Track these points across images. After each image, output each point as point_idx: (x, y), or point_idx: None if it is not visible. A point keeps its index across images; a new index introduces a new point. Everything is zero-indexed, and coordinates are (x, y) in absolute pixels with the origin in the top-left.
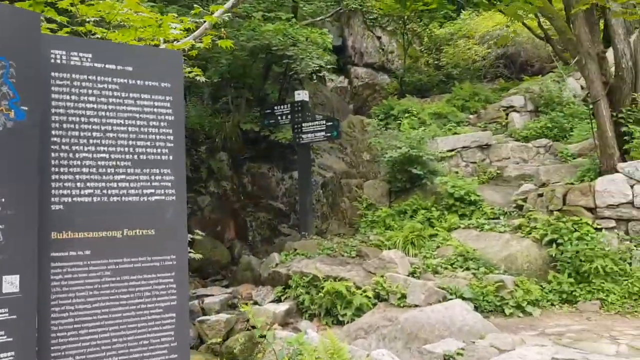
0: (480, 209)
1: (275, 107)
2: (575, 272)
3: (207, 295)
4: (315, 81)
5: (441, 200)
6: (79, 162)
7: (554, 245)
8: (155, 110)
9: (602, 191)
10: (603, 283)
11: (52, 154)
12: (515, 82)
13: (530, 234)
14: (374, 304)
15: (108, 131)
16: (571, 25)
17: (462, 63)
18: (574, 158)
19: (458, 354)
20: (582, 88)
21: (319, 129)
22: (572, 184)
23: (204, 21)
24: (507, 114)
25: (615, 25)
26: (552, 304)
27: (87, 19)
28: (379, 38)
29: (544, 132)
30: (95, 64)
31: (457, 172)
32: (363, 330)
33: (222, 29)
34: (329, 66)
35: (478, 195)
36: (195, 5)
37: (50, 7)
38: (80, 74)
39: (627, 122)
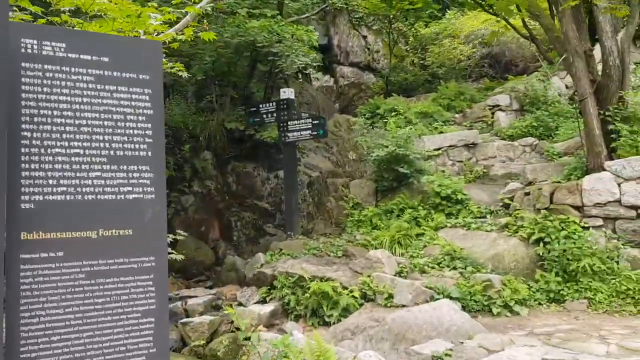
0: (467, 207)
1: (261, 106)
2: (563, 271)
3: (191, 297)
4: (300, 80)
5: (428, 199)
6: (51, 158)
7: (541, 244)
8: (133, 103)
9: (589, 189)
10: (591, 282)
11: (22, 150)
12: (500, 81)
13: (517, 232)
14: (361, 305)
15: (82, 125)
16: (558, 23)
17: (448, 62)
18: (560, 157)
19: (446, 354)
20: (567, 87)
21: (305, 127)
22: (559, 182)
23: (186, 12)
24: (492, 113)
25: (603, 22)
26: (540, 303)
27: (63, 9)
28: (364, 37)
29: (530, 131)
30: (69, 54)
31: (443, 171)
32: (350, 331)
33: (205, 21)
34: (315, 64)
35: (465, 194)
36: None
37: None
38: (52, 64)
39: (615, 120)
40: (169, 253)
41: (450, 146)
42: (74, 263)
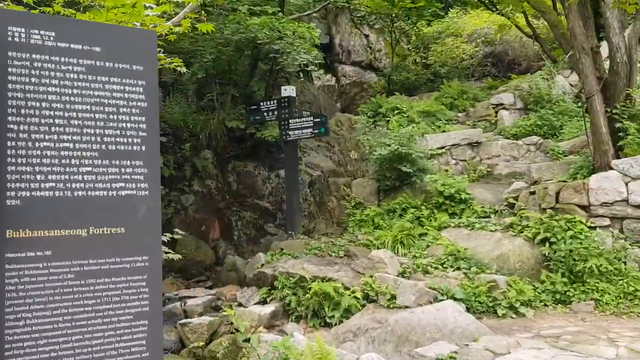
0: (471, 207)
1: (261, 103)
2: (569, 272)
3: (190, 297)
4: (302, 79)
5: (431, 198)
6: (39, 152)
7: (547, 244)
8: (126, 95)
9: (596, 189)
10: (597, 283)
11: (9, 143)
12: (503, 80)
13: (522, 232)
14: (363, 306)
15: (72, 118)
16: (564, 19)
17: (450, 61)
18: (566, 155)
19: (451, 357)
20: (572, 86)
21: (307, 125)
22: (565, 181)
23: (183, 3)
24: (496, 112)
25: (610, 18)
26: (546, 305)
27: (57, 0)
28: (366, 36)
29: (534, 130)
30: (59, 44)
31: (447, 170)
32: (352, 332)
33: (203, 12)
34: (316, 61)
35: (468, 194)
36: None
37: None
38: (41, 54)
39: (622, 118)
40: (166, 252)
41: (453, 145)
42: (63, 263)
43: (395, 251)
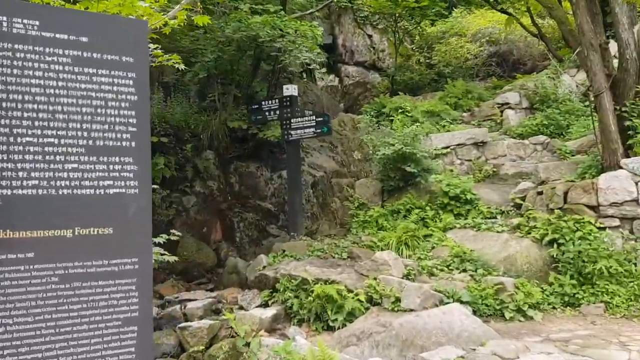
0: (477, 208)
1: (263, 103)
2: (578, 274)
3: (190, 300)
4: (305, 79)
5: (436, 199)
6: (21, 148)
7: (555, 245)
8: (114, 88)
9: (605, 188)
10: (607, 285)
11: None
12: (508, 80)
13: (529, 233)
14: (367, 309)
15: (57, 112)
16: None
17: (454, 61)
18: (573, 155)
19: None
20: (577, 85)
21: (309, 125)
22: (573, 181)
23: None
24: (501, 111)
25: (619, 14)
26: (554, 307)
27: None
28: (369, 36)
29: (540, 129)
30: (43, 33)
31: (452, 170)
32: (355, 336)
33: (198, 3)
34: (319, 60)
35: (474, 194)
36: None
37: None
38: (24, 44)
39: (631, 116)
40: (162, 254)
41: (458, 145)
42: (46, 265)
43: (400, 253)
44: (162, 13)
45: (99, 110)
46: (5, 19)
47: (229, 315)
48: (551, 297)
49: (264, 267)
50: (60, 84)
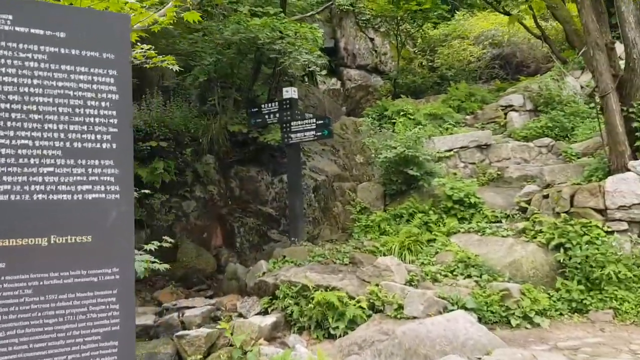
0: (481, 212)
1: (263, 106)
2: (586, 279)
3: (189, 307)
4: (307, 83)
5: (439, 203)
6: None
7: (562, 250)
8: (94, 86)
9: (612, 191)
10: (616, 290)
11: None
12: (511, 82)
13: (535, 238)
14: (369, 316)
15: (32, 112)
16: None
17: (457, 64)
18: (579, 157)
19: None
20: (582, 87)
21: (309, 128)
22: (579, 184)
23: None
24: (505, 114)
25: (626, 12)
26: (561, 314)
27: None
28: (371, 39)
29: (545, 132)
30: (17, 28)
31: (455, 174)
32: (357, 345)
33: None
34: (320, 62)
35: (478, 198)
36: None
37: None
38: None
39: (639, 117)
40: (152, 262)
41: (462, 147)
42: (19, 276)
43: (403, 258)
44: (152, 12)
45: (77, 110)
46: None
47: (224, 324)
48: (558, 303)
49: (264, 273)
50: (35, 82)
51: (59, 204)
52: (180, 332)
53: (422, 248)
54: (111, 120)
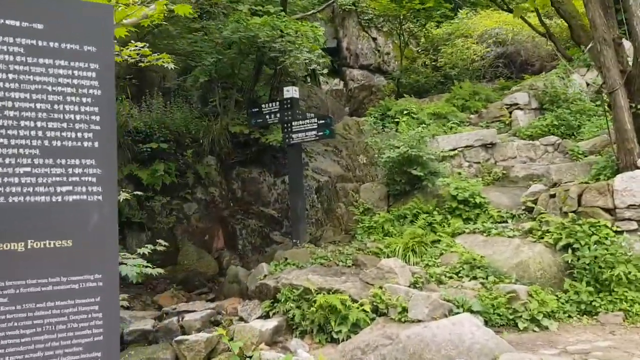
0: (486, 212)
1: (263, 106)
2: (595, 280)
3: (188, 311)
4: (309, 83)
5: (443, 203)
6: None
7: (570, 250)
8: (74, 81)
9: (621, 190)
10: (626, 292)
11: None
12: (515, 81)
13: (542, 238)
14: (372, 319)
15: (7, 108)
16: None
17: (461, 63)
18: (586, 156)
19: None
20: (588, 85)
21: (311, 127)
22: (587, 183)
23: None
24: (510, 112)
25: (634, 6)
26: (570, 316)
27: None
28: (374, 39)
29: (551, 130)
30: None
31: (459, 173)
32: (360, 349)
33: None
34: (321, 60)
35: (483, 198)
36: None
37: None
38: None
39: None
40: (145, 266)
41: (466, 146)
42: None
43: (407, 260)
44: (140, 5)
45: (56, 107)
46: None
47: (221, 330)
48: (567, 306)
49: (265, 276)
50: (10, 76)
51: (37, 207)
52: (180, 337)
53: (426, 249)
54: (93, 117)
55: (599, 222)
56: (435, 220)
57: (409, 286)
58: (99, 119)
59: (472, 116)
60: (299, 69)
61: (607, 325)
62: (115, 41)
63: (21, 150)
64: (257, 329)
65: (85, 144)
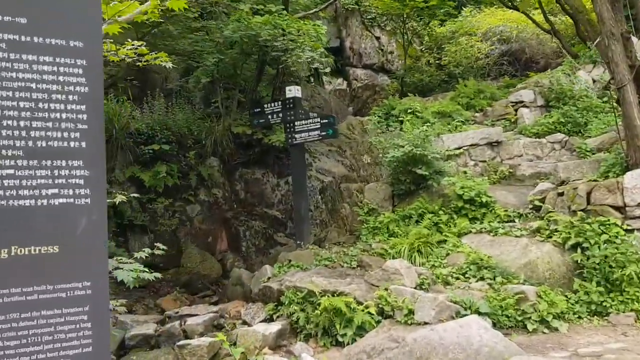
0: (493, 211)
1: (265, 106)
2: (605, 280)
3: (191, 315)
4: (312, 83)
5: (449, 202)
6: None
7: (579, 249)
8: (60, 78)
9: (631, 187)
10: (638, 292)
11: None
12: (520, 79)
13: (550, 237)
14: (378, 322)
15: None
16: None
17: (465, 61)
18: (594, 153)
19: None
20: (594, 81)
21: (313, 127)
22: (596, 180)
23: None
24: (516, 110)
25: None
26: (580, 317)
27: None
28: (377, 38)
29: (557, 128)
30: None
31: (465, 172)
32: (365, 353)
33: None
34: (323, 59)
35: (489, 197)
36: None
37: None
38: None
39: None
40: (142, 271)
41: (472, 145)
42: None
43: (412, 261)
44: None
45: (40, 105)
46: None
47: (221, 336)
48: (577, 306)
49: (269, 278)
50: None
51: (21, 211)
52: (182, 342)
53: (432, 250)
54: (80, 116)
55: (608, 220)
56: (441, 220)
57: (415, 288)
58: (87, 118)
59: (477, 114)
60: (301, 69)
61: (619, 327)
62: (111, 40)
63: (3, 152)
64: (260, 333)
65: (72, 144)
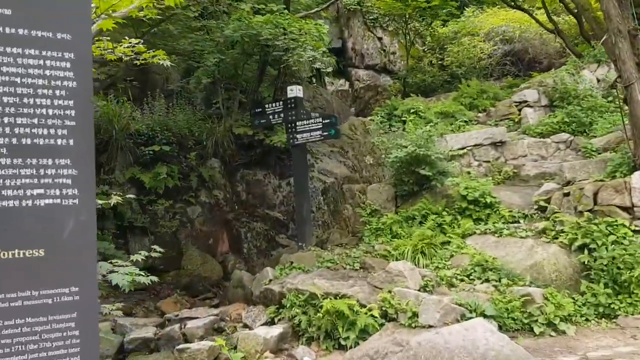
0: (497, 212)
1: (267, 106)
2: (613, 282)
3: (191, 318)
4: (314, 84)
5: (453, 203)
6: None
7: (586, 251)
8: (46, 72)
9: (639, 188)
10: None
11: None
12: (523, 79)
13: (557, 238)
14: (381, 325)
15: None
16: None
17: (468, 61)
18: (599, 153)
19: None
20: (599, 81)
21: (315, 127)
22: (602, 180)
23: None
24: (519, 110)
25: None
26: (588, 320)
27: None
28: (380, 39)
29: (561, 127)
30: None
31: (469, 173)
32: (369, 357)
33: None
34: (325, 58)
35: (494, 197)
36: None
37: None
38: None
39: None
40: (138, 274)
41: (475, 145)
42: None
43: (416, 262)
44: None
45: (25, 100)
46: None
47: (220, 341)
48: (584, 308)
49: (270, 280)
50: None
51: (5, 212)
52: (181, 346)
53: (436, 251)
54: (67, 112)
55: (616, 221)
56: (444, 221)
57: (419, 290)
58: (75, 114)
59: (480, 115)
60: (303, 69)
61: (628, 329)
62: (108, 37)
63: None
64: (261, 337)
65: (59, 141)
